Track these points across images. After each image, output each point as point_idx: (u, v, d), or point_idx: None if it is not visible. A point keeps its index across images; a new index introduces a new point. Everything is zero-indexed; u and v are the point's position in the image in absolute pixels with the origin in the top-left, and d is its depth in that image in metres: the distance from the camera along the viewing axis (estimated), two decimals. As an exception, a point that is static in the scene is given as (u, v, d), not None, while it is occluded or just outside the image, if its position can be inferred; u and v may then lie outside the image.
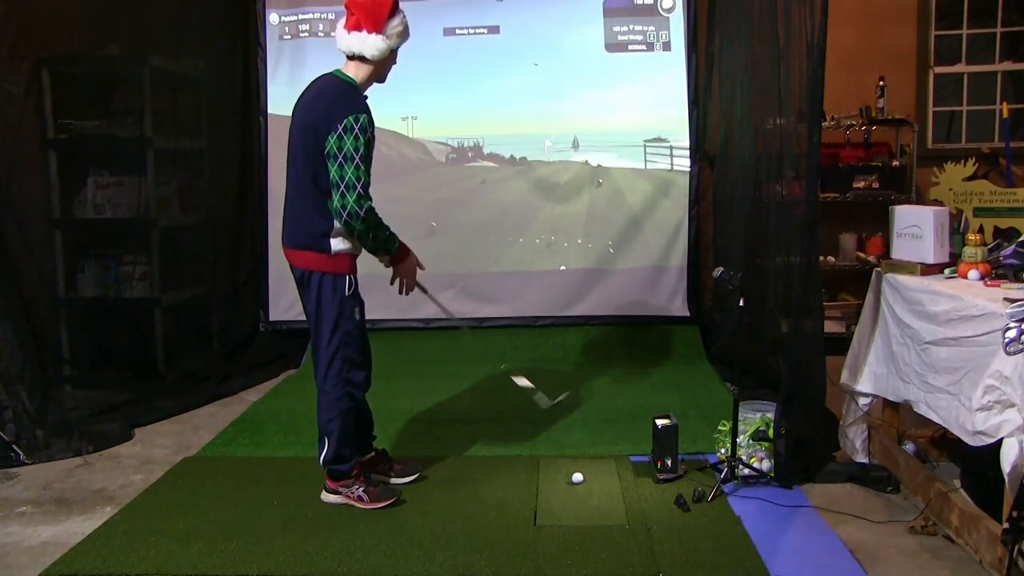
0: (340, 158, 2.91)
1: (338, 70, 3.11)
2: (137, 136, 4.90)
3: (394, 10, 3.03)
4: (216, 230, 5.45)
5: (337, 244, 3.06)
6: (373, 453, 3.48)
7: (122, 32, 4.94)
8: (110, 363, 4.99)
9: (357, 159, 2.91)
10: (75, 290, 4.95)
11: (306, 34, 5.62)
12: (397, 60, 3.16)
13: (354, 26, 3.02)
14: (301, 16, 5.62)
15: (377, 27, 3.00)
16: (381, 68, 3.10)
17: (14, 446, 3.80)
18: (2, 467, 3.73)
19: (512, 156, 5.62)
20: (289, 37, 5.63)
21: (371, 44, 3.01)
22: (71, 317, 4.86)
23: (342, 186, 2.93)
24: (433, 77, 5.49)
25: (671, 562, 2.73)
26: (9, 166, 4.35)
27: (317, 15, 5.61)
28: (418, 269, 3.28)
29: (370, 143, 2.98)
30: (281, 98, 5.61)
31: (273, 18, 5.63)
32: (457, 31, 5.51)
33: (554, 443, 3.87)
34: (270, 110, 5.61)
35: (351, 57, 3.07)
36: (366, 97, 3.10)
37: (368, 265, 3.25)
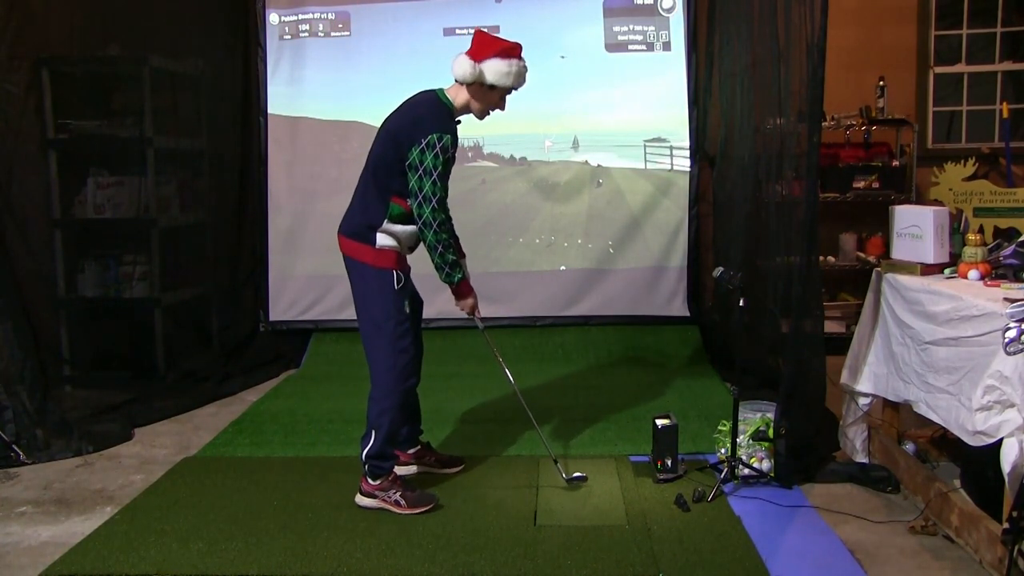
0: (420, 170, 3.03)
1: (441, 89, 3.23)
2: (137, 136, 4.90)
3: (505, 53, 3.13)
4: (216, 230, 5.45)
5: (382, 239, 3.12)
6: (419, 446, 3.53)
7: (122, 32, 4.94)
8: (110, 363, 4.99)
9: (435, 175, 3.03)
10: (75, 290, 4.95)
11: (306, 34, 5.62)
12: (504, 107, 3.24)
13: (467, 51, 3.17)
14: (301, 16, 5.62)
15: (476, 56, 3.13)
16: (476, 98, 3.18)
17: (14, 446, 3.80)
18: (2, 467, 3.73)
19: (512, 156, 5.63)
20: (289, 37, 5.63)
21: (459, 64, 3.14)
22: (71, 317, 4.86)
23: (420, 197, 3.05)
24: (433, 77, 5.46)
25: (671, 562, 2.73)
26: (9, 166, 4.35)
27: (317, 15, 5.61)
28: (477, 314, 3.39)
29: (449, 162, 3.09)
30: (281, 98, 5.62)
31: (273, 18, 5.63)
32: (457, 31, 5.51)
33: (554, 443, 3.87)
34: (270, 110, 5.62)
35: (457, 80, 3.19)
36: (458, 121, 3.21)
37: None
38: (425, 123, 3.05)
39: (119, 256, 5.06)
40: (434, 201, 3.04)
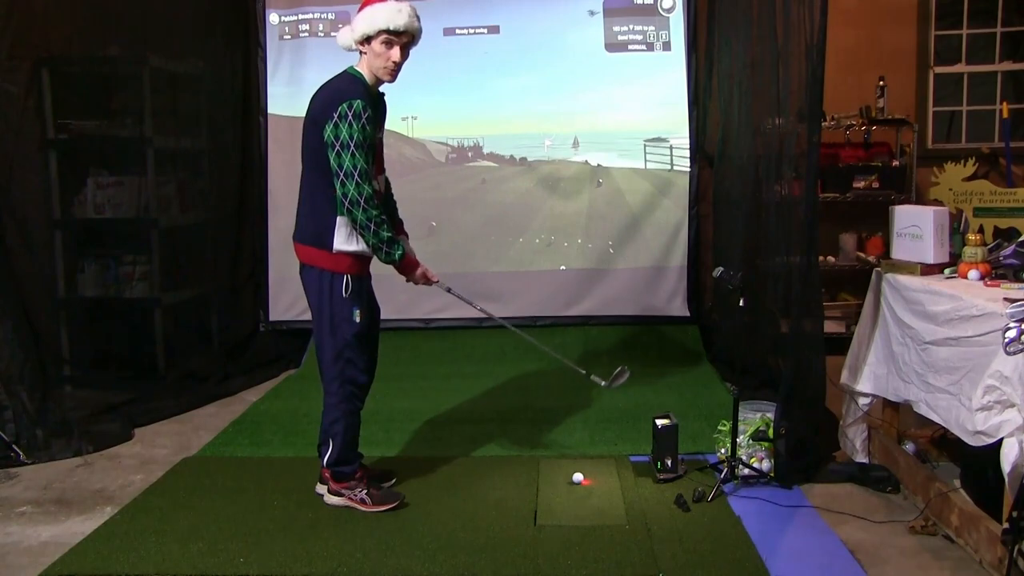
0: (337, 147, 2.90)
1: (351, 67, 3.11)
2: (137, 136, 4.90)
3: (371, 4, 2.99)
4: (216, 230, 5.45)
5: (339, 243, 3.02)
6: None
7: (122, 32, 4.94)
8: (110, 363, 4.99)
9: (352, 147, 2.89)
10: (75, 290, 4.95)
11: (306, 34, 5.63)
12: (396, 58, 2.98)
13: None
14: (301, 16, 5.62)
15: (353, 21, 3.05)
16: (370, 61, 3.02)
17: (14, 446, 3.80)
18: (2, 467, 3.73)
19: (512, 156, 5.63)
20: (289, 37, 5.63)
21: (340, 34, 3.08)
22: (71, 317, 4.86)
23: (341, 175, 2.91)
24: (433, 77, 5.49)
25: (671, 562, 2.73)
26: (9, 166, 4.35)
27: (317, 15, 5.61)
28: (432, 279, 3.23)
29: (366, 128, 2.92)
30: (281, 98, 5.62)
31: (273, 18, 5.63)
32: (457, 31, 5.51)
33: (554, 443, 3.87)
34: (270, 110, 5.62)
35: (350, 50, 3.11)
36: (382, 95, 3.13)
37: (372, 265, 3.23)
38: (334, 97, 2.93)
39: (119, 256, 5.05)
40: (356, 175, 2.88)
